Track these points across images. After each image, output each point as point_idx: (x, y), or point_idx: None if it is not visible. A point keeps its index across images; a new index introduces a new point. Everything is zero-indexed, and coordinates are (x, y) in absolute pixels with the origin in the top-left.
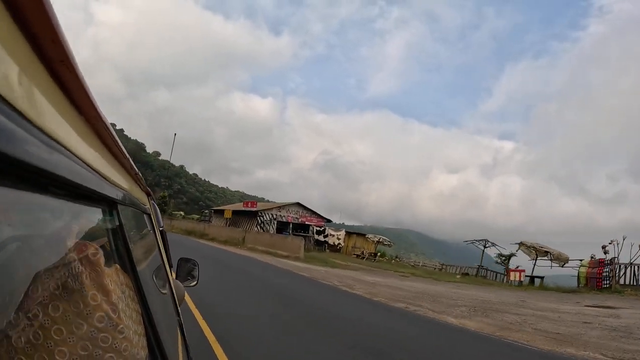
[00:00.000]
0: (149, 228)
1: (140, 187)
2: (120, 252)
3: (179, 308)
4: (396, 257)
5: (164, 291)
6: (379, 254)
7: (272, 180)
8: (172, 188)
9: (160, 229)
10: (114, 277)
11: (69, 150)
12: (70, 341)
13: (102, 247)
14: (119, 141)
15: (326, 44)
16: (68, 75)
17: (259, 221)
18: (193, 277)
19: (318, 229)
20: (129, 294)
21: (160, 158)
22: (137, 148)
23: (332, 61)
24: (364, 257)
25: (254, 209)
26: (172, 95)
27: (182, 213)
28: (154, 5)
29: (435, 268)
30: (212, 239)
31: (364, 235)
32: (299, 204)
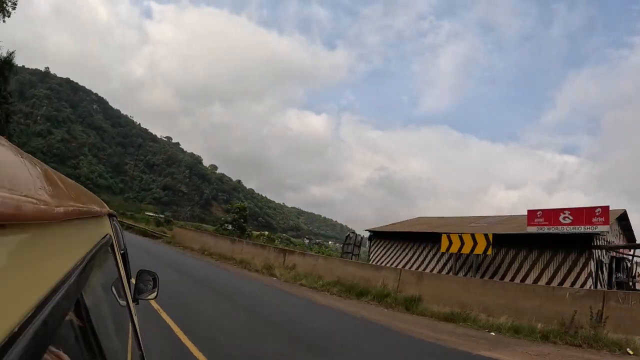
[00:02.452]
0: (110, 255)
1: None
2: None
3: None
4: None
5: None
6: None
7: (327, 197)
8: (230, 203)
9: (121, 252)
10: None
11: None
12: None
13: None
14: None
15: (380, 59)
16: None
17: (599, 261)
18: (153, 289)
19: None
20: None
21: (217, 172)
22: (193, 161)
23: (387, 77)
24: None
25: (592, 230)
26: (227, 110)
27: (280, 236)
28: (208, 22)
29: None
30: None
31: None
32: (620, 220)
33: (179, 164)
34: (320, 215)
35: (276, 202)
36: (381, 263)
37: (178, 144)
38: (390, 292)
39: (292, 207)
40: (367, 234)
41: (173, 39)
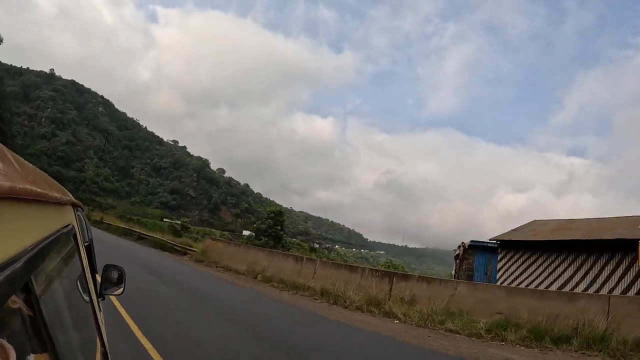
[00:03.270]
0: (73, 246)
1: (54, 201)
2: None
3: (104, 337)
4: None
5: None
6: None
7: (333, 201)
8: (240, 207)
9: (86, 244)
10: None
11: None
12: None
13: None
14: None
15: (386, 62)
16: None
17: None
18: (119, 285)
19: None
20: None
21: (225, 175)
22: (201, 164)
23: (393, 80)
24: None
25: None
26: (233, 113)
27: (291, 241)
28: (214, 26)
29: None
30: None
31: None
32: None
33: (186, 168)
34: (328, 220)
35: (284, 206)
36: (520, 284)
37: (185, 147)
38: (610, 332)
39: (299, 212)
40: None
41: (178, 42)
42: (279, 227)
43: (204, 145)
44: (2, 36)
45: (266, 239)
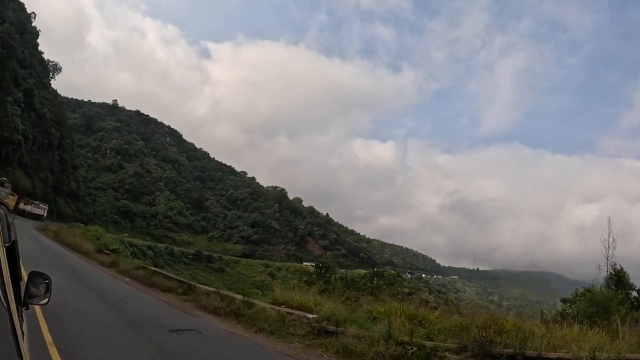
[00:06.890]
0: None
1: None
2: None
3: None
4: None
5: None
6: None
7: (398, 226)
8: (328, 238)
9: (6, 245)
10: None
11: None
12: None
13: None
14: None
15: (445, 80)
16: None
17: None
18: (45, 294)
19: None
20: None
21: (303, 204)
22: (279, 195)
23: (450, 98)
24: None
25: None
26: (294, 142)
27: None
28: (267, 57)
29: None
30: None
31: None
32: None
33: (265, 198)
34: (402, 246)
35: (360, 234)
36: None
37: (254, 178)
38: None
39: (374, 239)
40: None
41: (233, 75)
42: None
43: (266, 174)
44: (60, 65)
45: None
